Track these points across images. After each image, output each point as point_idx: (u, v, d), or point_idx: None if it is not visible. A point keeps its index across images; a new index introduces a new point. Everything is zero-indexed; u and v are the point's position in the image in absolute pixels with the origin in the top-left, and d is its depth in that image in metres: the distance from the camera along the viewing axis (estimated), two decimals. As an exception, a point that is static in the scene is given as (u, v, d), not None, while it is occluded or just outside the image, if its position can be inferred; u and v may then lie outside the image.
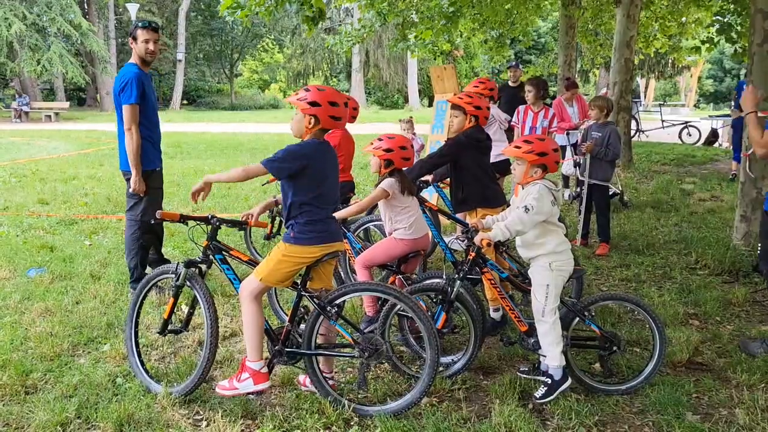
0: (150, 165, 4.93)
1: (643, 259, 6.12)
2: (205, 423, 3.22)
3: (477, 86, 4.39)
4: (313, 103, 3.17)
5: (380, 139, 4.05)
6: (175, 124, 26.69)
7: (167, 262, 5.21)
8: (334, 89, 3.32)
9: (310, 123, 3.21)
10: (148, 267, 5.22)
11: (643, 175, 11.46)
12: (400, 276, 4.18)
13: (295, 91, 3.33)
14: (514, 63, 9.98)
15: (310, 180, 3.19)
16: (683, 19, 14.20)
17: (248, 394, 3.33)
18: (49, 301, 4.88)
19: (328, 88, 3.28)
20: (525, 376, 3.58)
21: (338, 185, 3.41)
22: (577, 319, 3.55)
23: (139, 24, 4.82)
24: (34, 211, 8.36)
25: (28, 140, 19.18)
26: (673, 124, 18.55)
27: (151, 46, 4.81)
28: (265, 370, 3.32)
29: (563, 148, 8.86)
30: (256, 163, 3.20)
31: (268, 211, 4.76)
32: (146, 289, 3.67)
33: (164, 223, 5.21)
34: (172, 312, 3.59)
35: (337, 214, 4.19)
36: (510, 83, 9.67)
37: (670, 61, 30.58)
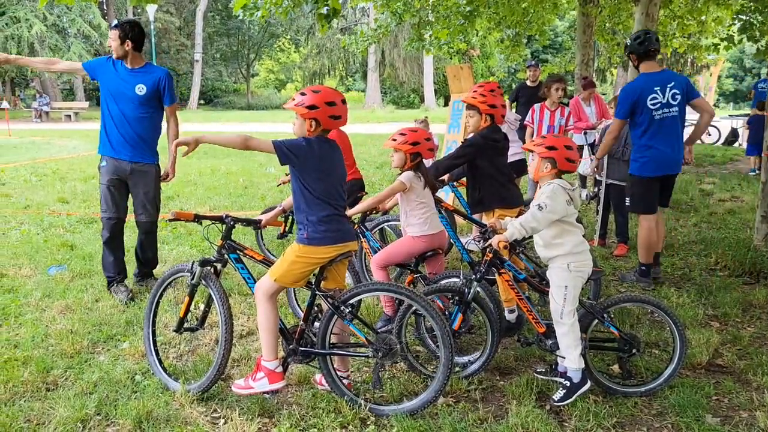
0: (99, 149, 5.11)
1: (662, 260, 6.05)
2: (222, 421, 3.24)
3: (476, 90, 4.36)
4: (311, 107, 3.16)
5: (403, 134, 4.01)
6: (192, 124, 26.88)
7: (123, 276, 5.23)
8: (330, 88, 3.29)
9: (311, 126, 3.20)
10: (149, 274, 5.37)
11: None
12: (417, 275, 4.17)
13: (291, 97, 3.28)
14: (533, 62, 9.90)
15: (316, 174, 3.18)
16: (703, 17, 14.03)
17: (263, 393, 3.35)
18: (69, 298, 4.94)
19: (323, 88, 3.25)
20: (542, 377, 3.56)
21: (344, 183, 3.39)
22: (596, 320, 3.52)
23: (111, 24, 4.99)
24: (55, 209, 8.47)
25: (48, 140, 19.43)
26: (692, 124, 18.34)
27: (112, 45, 4.92)
28: (280, 369, 3.33)
29: (580, 147, 8.80)
30: (263, 139, 3.15)
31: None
32: (162, 288, 3.71)
33: (154, 229, 5.27)
34: (187, 310, 3.61)
35: (354, 209, 4.19)
36: (528, 83, 9.61)
37: (689, 59, 30.23)
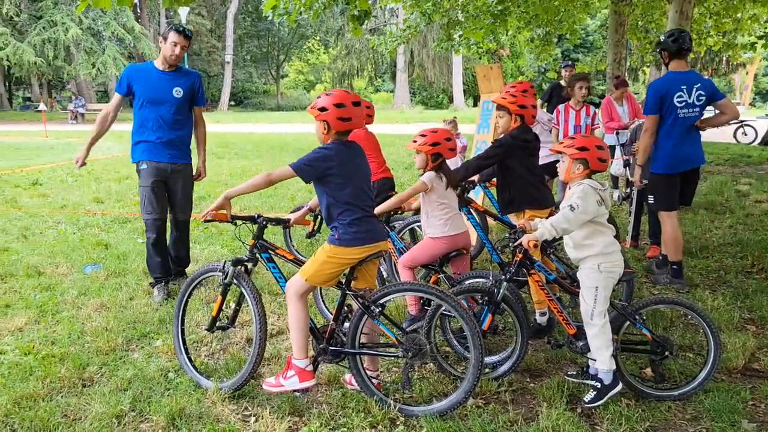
0: (134, 157, 5.13)
1: (696, 262, 5.96)
2: (253, 419, 3.27)
3: (507, 90, 4.34)
4: (322, 109, 3.21)
5: (423, 135, 4.02)
6: (222, 125, 27.21)
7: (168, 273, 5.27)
8: (344, 91, 3.33)
9: (324, 129, 3.26)
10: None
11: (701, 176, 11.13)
12: (442, 275, 4.16)
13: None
14: (569, 63, 9.77)
15: (339, 180, 3.21)
16: (739, 15, 13.75)
17: (294, 391, 3.37)
18: (104, 296, 5.04)
19: (337, 90, 3.30)
20: (573, 380, 3.52)
21: (370, 183, 3.41)
22: (628, 322, 3.48)
23: (174, 26, 4.95)
24: (90, 209, 8.64)
25: (83, 141, 19.81)
26: (728, 123, 18.01)
27: (177, 51, 4.95)
28: (310, 368, 3.35)
29: (612, 148, 8.68)
30: (282, 168, 3.22)
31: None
32: (191, 288, 3.74)
33: (188, 226, 5.36)
34: (220, 309, 3.65)
35: (377, 209, 4.20)
36: (563, 83, 9.49)
37: (724, 58, 29.61)
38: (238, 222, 3.52)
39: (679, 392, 3.45)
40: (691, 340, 4.16)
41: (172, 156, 5.09)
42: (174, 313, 3.78)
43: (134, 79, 5.04)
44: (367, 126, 5.47)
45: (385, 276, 4.87)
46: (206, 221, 3.39)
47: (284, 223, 3.70)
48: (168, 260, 5.28)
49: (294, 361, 3.34)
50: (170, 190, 5.18)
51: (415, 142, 4.02)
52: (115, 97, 5.23)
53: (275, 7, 8.18)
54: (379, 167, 5.44)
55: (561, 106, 7.05)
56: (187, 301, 3.79)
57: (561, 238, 3.46)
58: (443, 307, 3.44)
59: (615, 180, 9.06)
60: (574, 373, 3.57)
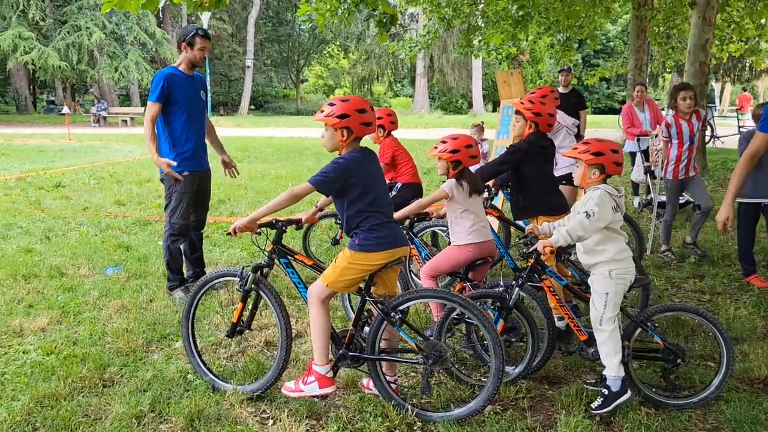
0: (176, 167, 4.93)
1: (718, 270, 5.89)
2: (271, 421, 3.29)
3: (527, 96, 4.33)
4: (342, 116, 3.18)
5: (444, 141, 4.01)
6: (243, 129, 27.38)
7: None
8: (359, 97, 3.34)
9: (343, 136, 3.23)
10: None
11: (718, 183, 11.02)
12: (468, 283, 4.14)
13: (320, 109, 3.32)
14: (566, 68, 9.33)
15: (359, 190, 3.21)
16: (762, 20, 13.59)
17: (313, 397, 3.38)
18: (125, 298, 5.09)
19: (351, 97, 3.30)
20: (592, 387, 3.50)
21: (387, 189, 3.42)
22: (640, 329, 3.45)
23: (199, 32, 4.84)
24: (111, 211, 8.75)
25: (105, 144, 20.08)
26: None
27: (206, 54, 4.97)
28: (330, 374, 3.36)
29: (633, 154, 8.62)
30: (302, 184, 3.22)
31: (335, 217, 4.81)
32: (203, 291, 3.73)
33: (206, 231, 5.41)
34: (241, 316, 3.65)
35: (398, 214, 4.19)
36: (560, 89, 8.77)
37: (747, 64, 29.22)
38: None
39: (693, 400, 3.41)
40: (712, 349, 4.11)
41: (205, 161, 5.20)
42: (183, 315, 3.75)
43: (172, 85, 4.85)
44: (392, 133, 5.53)
45: (407, 281, 4.87)
46: (233, 234, 3.35)
47: (296, 223, 3.70)
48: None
49: (315, 366, 3.34)
50: (202, 194, 5.23)
51: (435, 148, 4.02)
52: (155, 107, 4.84)
53: (306, 12, 8.28)
54: (410, 170, 5.49)
55: (670, 118, 6.39)
56: (197, 304, 3.77)
57: (573, 244, 3.45)
58: (456, 312, 3.43)
59: (635, 187, 8.99)
60: (594, 381, 3.55)
